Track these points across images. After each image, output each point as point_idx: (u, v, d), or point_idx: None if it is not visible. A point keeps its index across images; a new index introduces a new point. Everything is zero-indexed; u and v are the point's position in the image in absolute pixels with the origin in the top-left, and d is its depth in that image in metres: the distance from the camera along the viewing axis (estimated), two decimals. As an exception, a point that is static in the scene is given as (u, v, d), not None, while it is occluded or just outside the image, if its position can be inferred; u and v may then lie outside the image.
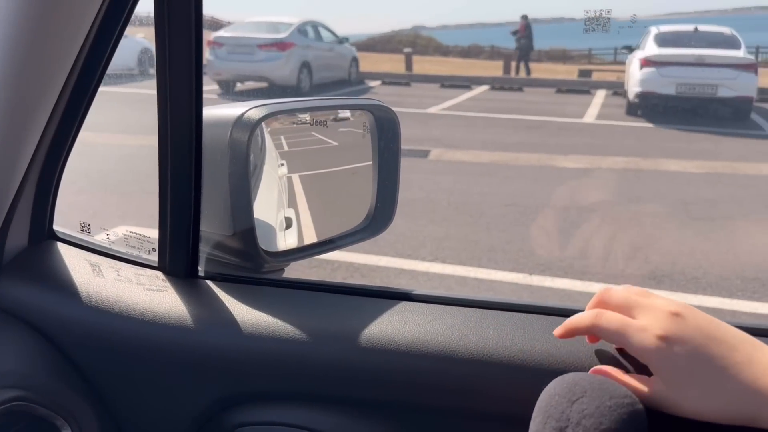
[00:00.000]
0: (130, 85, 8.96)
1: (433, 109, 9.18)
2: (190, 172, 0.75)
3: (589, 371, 0.58)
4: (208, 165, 0.77)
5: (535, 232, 4.05)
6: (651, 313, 0.56)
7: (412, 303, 0.72)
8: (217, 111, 0.80)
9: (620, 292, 0.59)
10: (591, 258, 3.63)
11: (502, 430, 0.64)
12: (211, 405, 0.72)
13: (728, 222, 4.24)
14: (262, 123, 1.09)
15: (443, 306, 0.71)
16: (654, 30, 9.41)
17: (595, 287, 3.26)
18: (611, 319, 0.57)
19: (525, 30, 13.20)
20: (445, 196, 4.87)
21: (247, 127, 0.77)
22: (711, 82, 8.28)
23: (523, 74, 12.99)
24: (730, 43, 8.93)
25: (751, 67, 8.50)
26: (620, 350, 0.60)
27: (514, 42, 13.40)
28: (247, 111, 0.78)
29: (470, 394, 0.63)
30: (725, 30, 9.36)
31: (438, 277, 3.42)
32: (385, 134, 0.90)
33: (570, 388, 0.52)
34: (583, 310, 0.63)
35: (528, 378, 0.62)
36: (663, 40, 9.06)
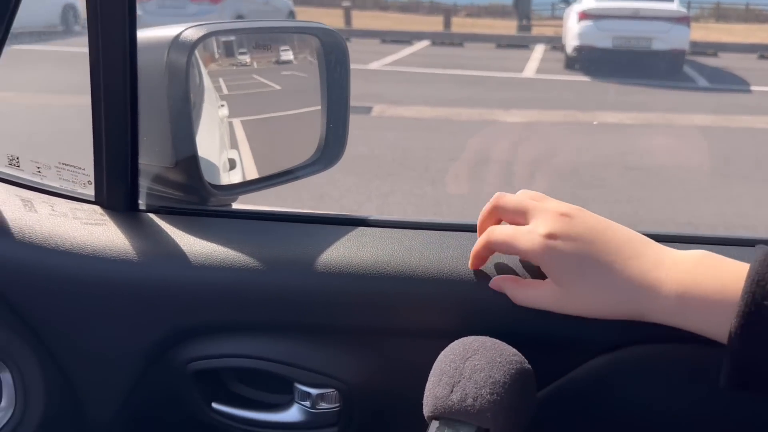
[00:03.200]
0: (55, 42, 8.48)
1: (374, 65, 9.06)
2: (124, 97, 0.70)
3: (490, 282, 0.60)
4: (144, 91, 0.72)
5: (480, 184, 4.09)
6: (540, 215, 0.56)
7: (368, 228, 0.70)
8: (150, 33, 0.75)
9: (514, 197, 0.59)
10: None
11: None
12: (161, 340, 0.68)
13: (662, 170, 4.39)
14: (199, 56, 1.03)
15: (401, 230, 0.69)
16: (591, -17, 9.51)
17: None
18: (500, 231, 0.57)
19: None
20: (389, 151, 4.84)
21: (186, 48, 0.72)
22: (646, 35, 8.46)
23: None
24: (664, -5, 9.12)
25: (683, 20, 8.72)
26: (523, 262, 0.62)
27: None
28: (183, 31, 0.73)
29: (431, 314, 0.62)
30: (659, -17, 9.55)
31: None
32: (333, 59, 0.86)
33: (464, 347, 0.53)
34: None
35: (489, 293, 0.61)
36: (600, -7, 9.17)
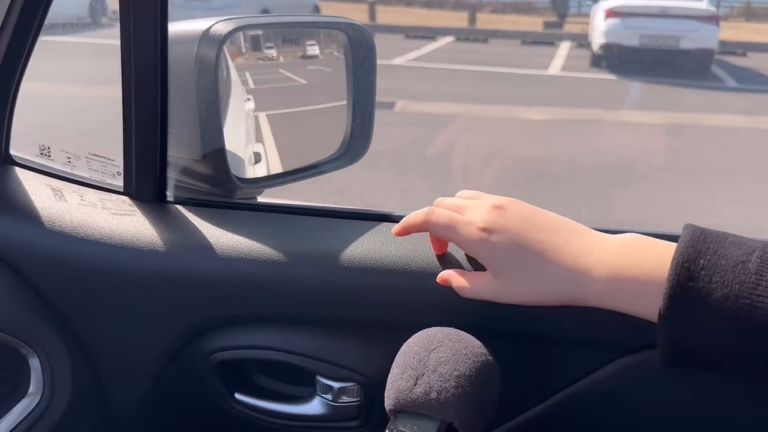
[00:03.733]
0: (83, 35, 8.59)
1: (397, 60, 9.04)
2: (155, 90, 0.70)
3: (437, 278, 0.60)
4: (173, 84, 0.72)
5: (500, 182, 4.06)
6: (477, 208, 0.58)
7: (392, 224, 0.70)
8: (181, 26, 0.76)
9: (451, 198, 0.62)
10: (560, 209, 3.67)
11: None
12: (186, 330, 0.69)
13: (689, 170, 4.33)
14: (227, 50, 1.04)
15: None
16: (619, -20, 9.37)
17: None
18: (441, 214, 0.59)
19: None
20: (411, 148, 4.83)
21: (215, 42, 0.72)
22: (674, 33, 8.33)
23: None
24: (693, -7, 8.97)
25: (712, 19, 8.57)
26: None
27: None
28: (213, 25, 0.74)
29: (454, 311, 0.62)
30: (689, -19, 9.38)
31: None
32: (360, 55, 0.86)
33: (428, 339, 0.53)
34: None
35: None
36: (628, -10, 9.04)
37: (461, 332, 0.54)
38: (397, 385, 0.51)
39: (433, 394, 0.49)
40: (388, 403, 0.51)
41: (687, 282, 0.48)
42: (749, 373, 0.48)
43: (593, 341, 0.60)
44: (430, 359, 0.51)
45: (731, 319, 0.46)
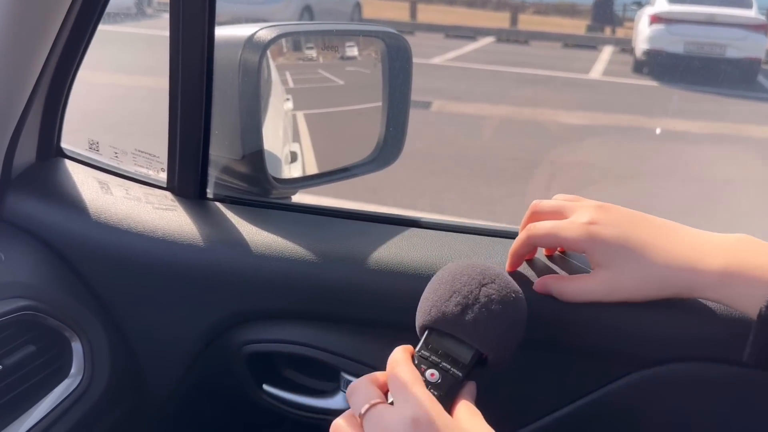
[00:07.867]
0: (128, 24, 8.78)
1: (436, 60, 9.03)
2: (200, 92, 0.74)
3: (534, 285, 0.60)
4: (217, 86, 0.76)
5: (534, 187, 4.04)
6: (579, 209, 0.58)
7: (420, 230, 0.72)
8: (226, 31, 0.79)
9: (550, 201, 0.61)
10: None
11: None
12: (220, 322, 0.73)
13: (728, 183, 4.25)
14: (269, 51, 1.07)
15: (453, 233, 0.71)
16: (666, -14, 9.18)
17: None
18: (541, 226, 0.59)
19: None
20: (446, 148, 4.83)
21: (258, 48, 0.76)
22: (720, 41, 8.14)
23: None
24: (742, 2, 8.74)
25: (761, 28, 8.34)
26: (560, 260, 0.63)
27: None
28: (258, 31, 0.77)
29: None
30: (738, -12, 9.14)
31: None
32: (397, 63, 0.88)
33: (482, 273, 0.54)
34: None
35: (534, 302, 0.62)
36: (674, -4, 8.86)
37: (506, 274, 0.55)
38: (441, 308, 0.53)
39: (480, 327, 0.51)
40: (427, 319, 0.53)
41: None
42: None
43: (608, 353, 0.61)
44: (481, 294, 0.52)
45: None
